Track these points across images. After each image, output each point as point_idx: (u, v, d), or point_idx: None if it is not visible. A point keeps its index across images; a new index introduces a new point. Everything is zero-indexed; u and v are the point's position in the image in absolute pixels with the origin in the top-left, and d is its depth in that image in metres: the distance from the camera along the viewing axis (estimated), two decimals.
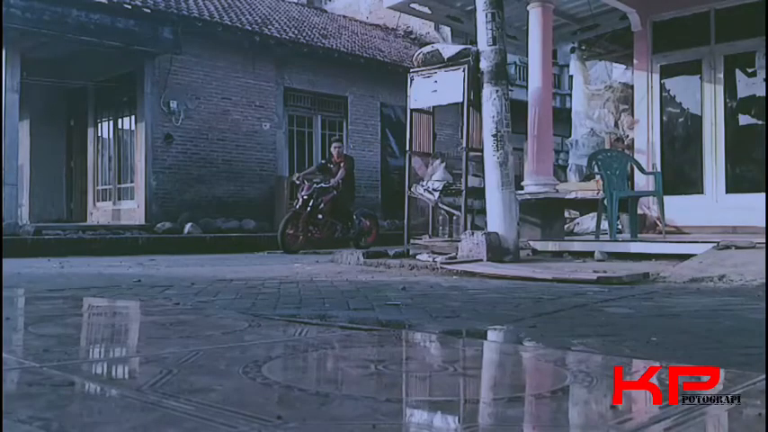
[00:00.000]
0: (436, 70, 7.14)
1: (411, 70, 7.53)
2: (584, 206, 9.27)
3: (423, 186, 7.35)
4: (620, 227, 7.63)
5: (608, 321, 2.86)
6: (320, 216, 10.01)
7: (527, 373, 1.95)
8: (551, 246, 6.99)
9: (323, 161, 11.06)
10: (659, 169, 8.38)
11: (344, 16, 18.92)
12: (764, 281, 4.16)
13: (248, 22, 13.38)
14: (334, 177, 10.17)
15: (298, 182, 10.32)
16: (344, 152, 11.04)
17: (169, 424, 1.26)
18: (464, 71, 6.84)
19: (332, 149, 10.63)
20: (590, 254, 6.50)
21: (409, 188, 7.48)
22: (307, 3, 19.80)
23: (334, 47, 14.55)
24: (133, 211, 12.25)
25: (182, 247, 10.04)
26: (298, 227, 9.78)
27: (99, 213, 13.34)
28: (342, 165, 10.34)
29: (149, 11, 11.32)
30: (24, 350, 2.10)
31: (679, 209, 8.04)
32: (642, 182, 8.41)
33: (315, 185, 9.92)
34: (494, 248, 6.03)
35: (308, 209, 9.81)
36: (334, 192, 10.06)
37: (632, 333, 2.53)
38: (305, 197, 9.83)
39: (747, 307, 3.32)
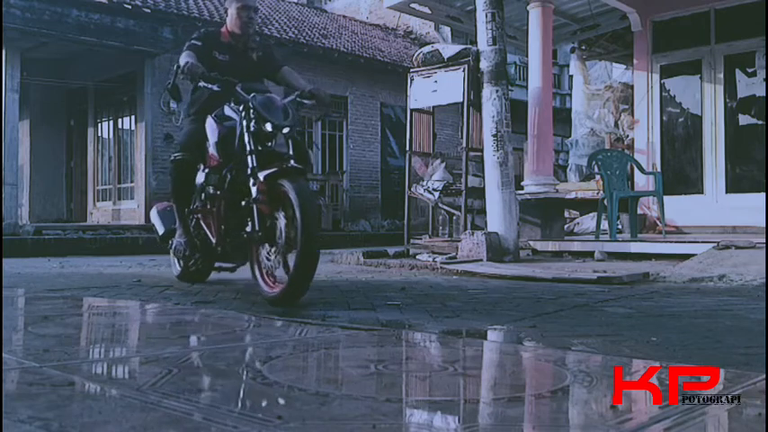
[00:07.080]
0: (436, 70, 7.15)
1: (411, 70, 7.53)
2: (585, 206, 9.26)
3: (423, 186, 7.36)
4: (620, 227, 7.63)
5: (608, 321, 2.86)
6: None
7: (527, 373, 1.95)
8: (551, 246, 6.99)
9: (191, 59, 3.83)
10: (659, 169, 8.38)
11: (344, 16, 18.91)
12: (764, 281, 4.16)
13: None
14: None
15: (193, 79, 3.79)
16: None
17: (169, 424, 1.26)
18: (464, 71, 6.85)
19: (238, 11, 4.03)
20: (590, 254, 6.49)
21: (409, 188, 7.48)
22: (307, 3, 19.79)
23: (334, 47, 14.54)
24: (133, 211, 12.25)
25: None
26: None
27: (99, 213, 13.35)
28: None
29: (149, 11, 11.33)
30: (24, 350, 2.10)
31: (679, 209, 8.05)
32: (642, 182, 8.40)
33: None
34: (494, 248, 6.03)
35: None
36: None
37: (632, 333, 2.53)
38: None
39: (747, 307, 3.31)
